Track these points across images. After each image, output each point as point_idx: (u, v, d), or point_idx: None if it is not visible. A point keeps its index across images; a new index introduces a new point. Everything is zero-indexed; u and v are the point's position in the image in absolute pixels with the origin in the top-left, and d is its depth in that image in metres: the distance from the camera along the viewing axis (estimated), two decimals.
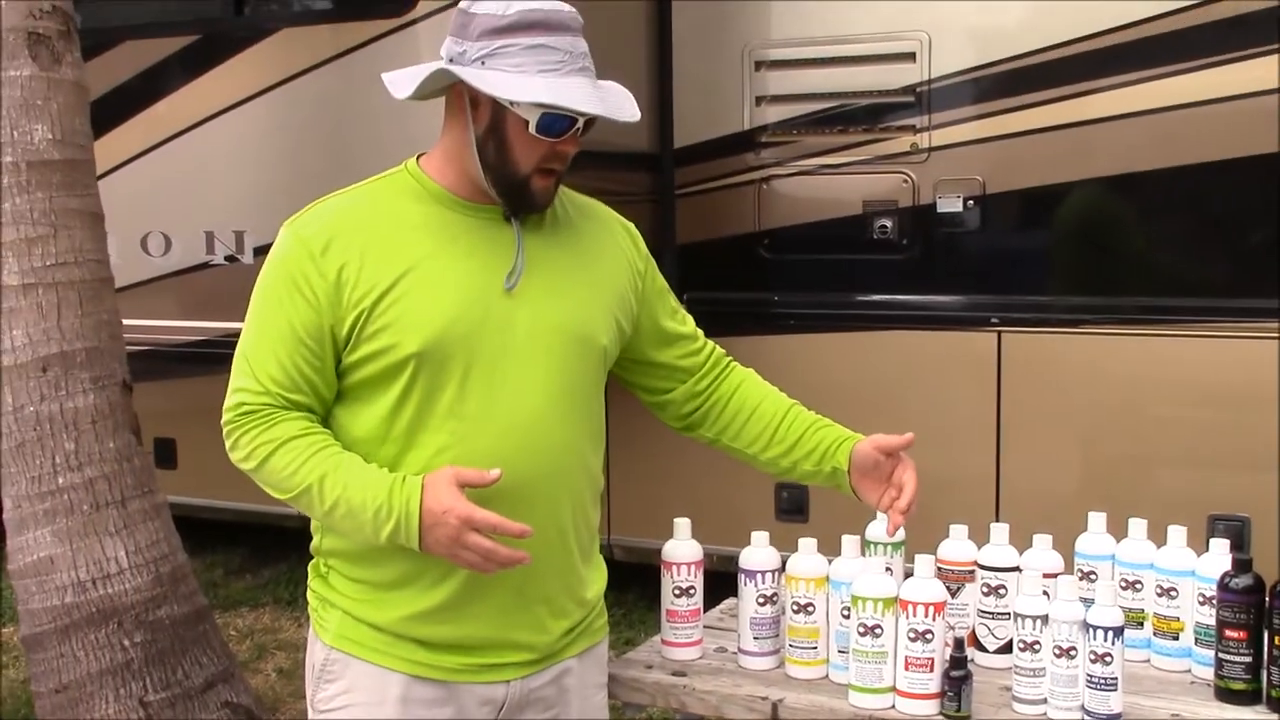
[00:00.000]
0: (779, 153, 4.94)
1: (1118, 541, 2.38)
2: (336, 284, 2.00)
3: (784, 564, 2.36)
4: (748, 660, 2.35)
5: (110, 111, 5.34)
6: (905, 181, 4.73)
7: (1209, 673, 2.20)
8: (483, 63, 1.98)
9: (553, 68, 1.97)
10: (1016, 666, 2.14)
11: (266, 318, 2.05)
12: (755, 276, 5.00)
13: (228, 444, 2.07)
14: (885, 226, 4.76)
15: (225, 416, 2.06)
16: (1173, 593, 2.27)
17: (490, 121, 2.02)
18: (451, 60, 2.01)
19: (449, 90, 2.07)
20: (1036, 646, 2.11)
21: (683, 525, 2.41)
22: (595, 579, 2.25)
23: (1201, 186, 4.38)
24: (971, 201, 4.64)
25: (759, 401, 2.35)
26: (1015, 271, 4.67)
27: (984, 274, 4.70)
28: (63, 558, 3.74)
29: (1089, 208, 4.60)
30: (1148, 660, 2.31)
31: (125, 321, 4.03)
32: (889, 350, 4.76)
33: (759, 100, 4.96)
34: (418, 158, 2.14)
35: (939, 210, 4.67)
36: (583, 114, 1.98)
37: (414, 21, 4.93)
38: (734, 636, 2.41)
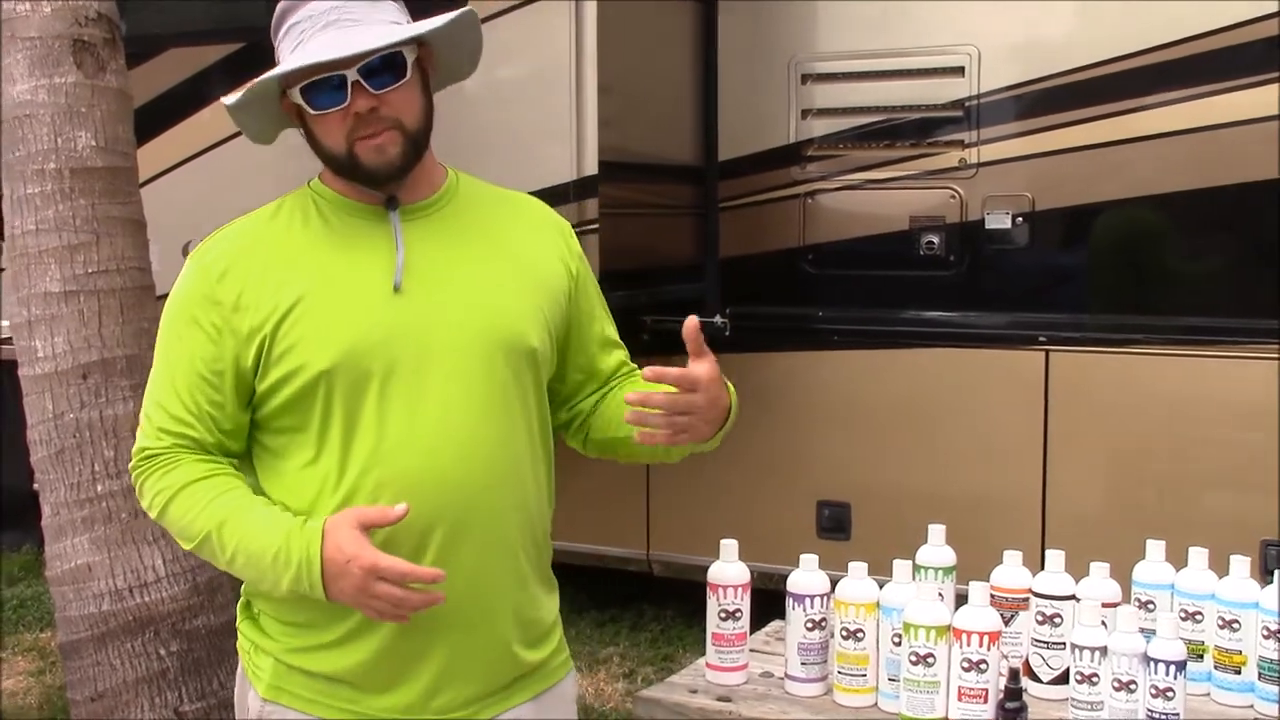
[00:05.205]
0: (824, 167, 4.89)
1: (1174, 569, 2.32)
2: (235, 311, 1.91)
3: (833, 587, 2.30)
4: (794, 686, 2.29)
5: (153, 119, 5.35)
6: (953, 197, 4.67)
7: (1273, 709, 2.13)
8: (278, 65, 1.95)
9: (298, 41, 1.90)
10: (1074, 699, 2.08)
11: (168, 353, 1.98)
12: (799, 292, 4.95)
13: (137, 491, 2.00)
14: (932, 242, 4.70)
15: (131, 462, 1.99)
16: (1235, 625, 2.20)
17: (301, 123, 1.96)
18: None
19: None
20: (1095, 679, 2.05)
21: (729, 547, 2.36)
22: (548, 601, 2.11)
23: (1255, 205, 4.31)
24: (1020, 218, 4.59)
25: (628, 388, 2.14)
26: (1064, 289, 4.61)
27: (1032, 292, 4.65)
28: (100, 565, 3.73)
29: (1140, 225, 4.54)
30: (1208, 694, 2.24)
31: None
32: (934, 368, 4.71)
33: (804, 113, 4.92)
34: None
35: (987, 226, 4.62)
36: (314, 67, 1.86)
37: None
38: (779, 661, 2.36)
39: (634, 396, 1.93)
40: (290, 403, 1.93)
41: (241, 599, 2.07)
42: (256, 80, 1.91)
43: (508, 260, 2.03)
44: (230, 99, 1.95)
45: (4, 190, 3.82)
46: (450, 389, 1.93)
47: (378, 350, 1.91)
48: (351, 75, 1.86)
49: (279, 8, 1.95)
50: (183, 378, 1.94)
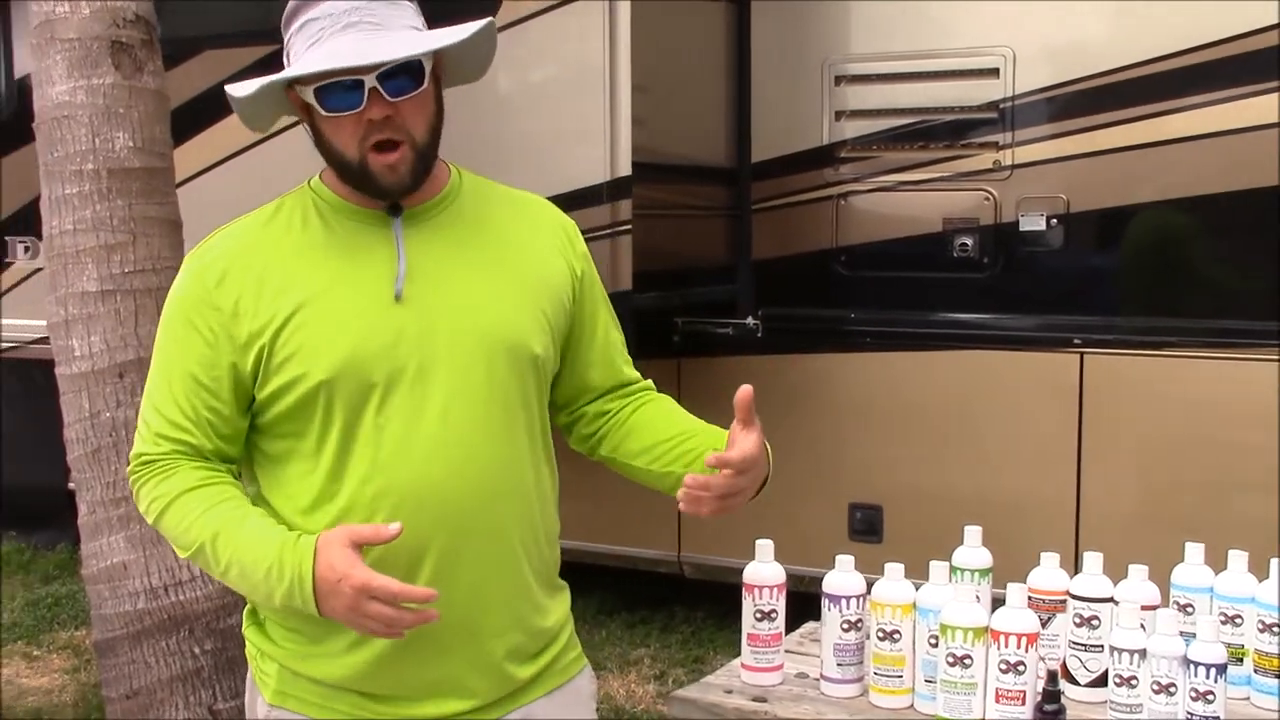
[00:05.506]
0: (858, 168, 4.88)
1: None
2: (233, 317, 1.88)
3: (869, 588, 2.29)
4: (830, 687, 2.29)
5: (190, 120, 5.38)
6: (987, 199, 4.65)
7: None
8: (288, 62, 1.89)
9: (315, 39, 1.85)
10: (1112, 702, 2.07)
11: (166, 358, 1.95)
12: (832, 293, 4.94)
13: (133, 496, 1.97)
14: (966, 244, 4.69)
15: (129, 466, 1.96)
16: (1276, 629, 2.19)
17: (308, 119, 1.91)
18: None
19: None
20: (1134, 682, 2.04)
21: (765, 547, 2.35)
22: (555, 607, 2.08)
23: None
24: (1055, 220, 4.57)
25: (658, 416, 2.13)
26: (1099, 292, 4.59)
27: (1067, 294, 4.62)
28: (135, 564, 3.75)
29: (1175, 228, 4.51)
30: (1248, 698, 2.22)
31: None
32: (968, 371, 4.69)
33: (838, 115, 4.91)
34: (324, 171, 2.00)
35: (1021, 229, 4.61)
36: (336, 72, 1.81)
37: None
38: (814, 662, 2.35)
39: (693, 482, 1.91)
40: (290, 411, 1.90)
41: (247, 605, 2.06)
42: (272, 77, 1.87)
43: (510, 262, 2.00)
44: (240, 90, 1.90)
45: (42, 190, 3.85)
46: (452, 397, 1.90)
47: (378, 359, 1.88)
48: (370, 81, 1.83)
49: (291, 3, 1.91)
50: (180, 383, 1.91)
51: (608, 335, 2.16)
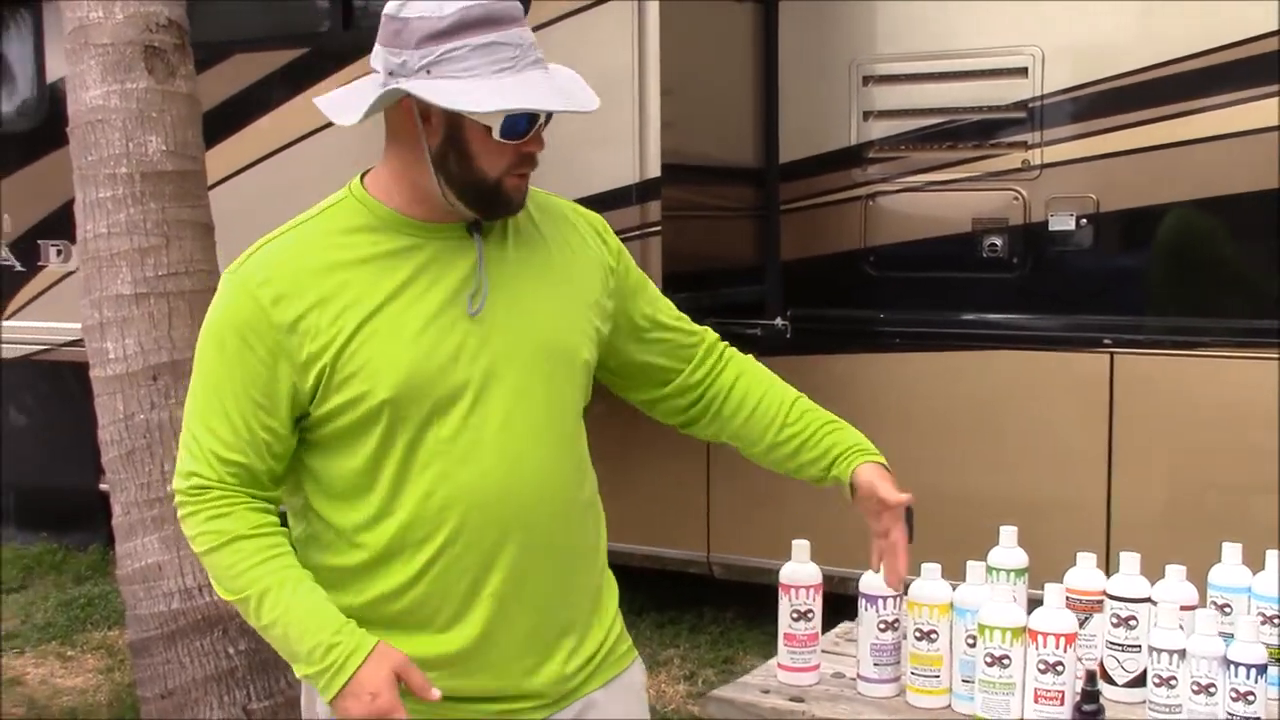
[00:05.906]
0: (886, 168, 4.88)
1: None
2: (292, 334, 1.86)
3: (906, 588, 2.30)
4: (867, 687, 2.30)
5: (220, 123, 5.41)
6: (1016, 199, 4.64)
7: None
8: (428, 71, 1.82)
9: (507, 65, 1.83)
10: (1151, 702, 2.07)
11: (217, 376, 1.91)
12: (861, 294, 4.94)
13: (179, 515, 1.95)
14: (995, 245, 4.68)
15: (177, 485, 1.93)
16: None
17: (446, 133, 1.87)
18: (391, 73, 1.85)
19: (391, 105, 1.90)
20: (1173, 682, 2.04)
21: (801, 547, 2.36)
22: (608, 602, 2.13)
23: None
24: (1085, 220, 4.55)
25: (761, 396, 2.21)
26: (1130, 292, 4.57)
27: (1097, 294, 4.60)
28: (170, 564, 3.77)
29: (1205, 227, 4.49)
30: None
31: None
32: (997, 371, 4.68)
33: (866, 115, 4.90)
34: (362, 177, 1.98)
35: (1051, 228, 4.59)
36: (547, 111, 1.87)
37: None
38: (850, 662, 2.36)
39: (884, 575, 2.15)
40: (349, 427, 1.90)
41: None
42: (523, 104, 1.84)
43: (552, 268, 2.02)
44: (466, 105, 1.83)
45: (76, 194, 3.88)
46: (513, 407, 1.92)
47: (441, 375, 1.89)
48: (542, 118, 1.89)
49: (465, 8, 1.83)
50: (233, 401, 1.89)
51: (654, 312, 2.18)
